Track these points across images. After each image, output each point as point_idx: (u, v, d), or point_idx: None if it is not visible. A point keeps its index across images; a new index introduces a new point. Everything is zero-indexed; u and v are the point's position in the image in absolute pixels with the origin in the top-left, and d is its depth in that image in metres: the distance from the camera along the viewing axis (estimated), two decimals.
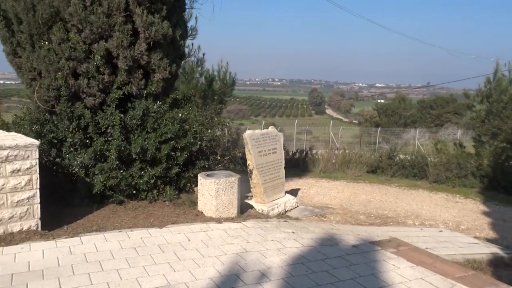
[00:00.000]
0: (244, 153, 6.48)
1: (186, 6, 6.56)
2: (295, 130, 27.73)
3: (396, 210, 7.67)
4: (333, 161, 11.90)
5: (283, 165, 6.89)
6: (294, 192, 8.20)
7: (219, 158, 6.51)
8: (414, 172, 11.01)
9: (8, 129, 5.93)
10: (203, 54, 12.36)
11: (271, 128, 6.99)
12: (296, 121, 30.82)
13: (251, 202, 6.30)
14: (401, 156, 12.22)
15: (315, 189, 9.17)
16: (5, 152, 4.22)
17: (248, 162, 6.19)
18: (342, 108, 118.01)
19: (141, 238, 4.50)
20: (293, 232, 4.98)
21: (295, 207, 6.87)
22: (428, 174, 10.60)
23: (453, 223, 7.02)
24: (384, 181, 10.56)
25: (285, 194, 6.91)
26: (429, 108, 49.19)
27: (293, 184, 9.28)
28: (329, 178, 10.49)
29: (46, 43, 5.32)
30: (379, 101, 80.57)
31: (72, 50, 5.32)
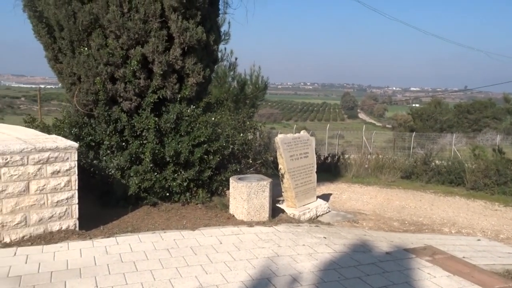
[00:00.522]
0: (275, 157, 6.49)
1: (220, 12, 6.64)
2: (327, 135, 27.51)
3: (431, 217, 7.47)
4: (366, 166, 11.72)
5: (315, 170, 6.84)
6: (325, 197, 8.12)
7: (251, 161, 6.54)
8: (451, 178, 10.68)
9: (48, 131, 6.16)
10: (236, 59, 12.49)
11: (303, 132, 6.96)
12: (328, 125, 30.57)
13: (282, 206, 6.28)
14: (436, 161, 11.89)
15: (347, 194, 9.05)
16: (46, 154, 4.39)
17: (280, 166, 6.19)
18: (375, 113, 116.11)
19: (174, 240, 4.58)
20: (325, 238, 4.94)
21: (327, 212, 6.80)
22: (466, 181, 10.26)
23: (492, 232, 6.77)
24: (419, 187, 10.30)
25: (316, 198, 6.86)
26: (466, 113, 47.69)
27: (325, 188, 9.19)
28: (362, 183, 10.33)
29: (86, 49, 5.52)
30: (413, 105, 78.83)
31: (110, 55, 5.49)
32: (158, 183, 5.67)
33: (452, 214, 7.79)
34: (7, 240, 4.24)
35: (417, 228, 6.69)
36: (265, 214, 5.49)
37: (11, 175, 4.21)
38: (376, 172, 11.35)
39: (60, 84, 6.30)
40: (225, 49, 12.16)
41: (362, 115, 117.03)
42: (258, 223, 5.30)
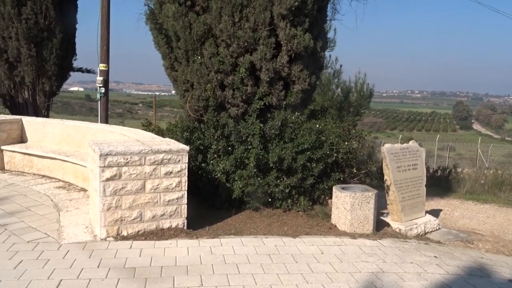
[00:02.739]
0: (380, 168, 6.19)
1: (327, 18, 6.57)
2: (437, 146, 25.71)
3: None
4: (482, 181, 10.65)
5: (424, 183, 6.39)
6: (435, 213, 7.54)
7: (355, 171, 6.33)
8: None
9: (163, 135, 6.60)
10: (340, 66, 12.26)
11: (411, 143, 6.56)
12: (438, 136, 28.57)
13: (387, 219, 5.97)
14: None
15: (460, 211, 8.31)
16: (160, 156, 4.70)
17: (385, 177, 5.89)
18: (492, 124, 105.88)
19: (275, 245, 4.59)
20: (436, 257, 4.57)
21: (437, 229, 6.30)
22: None
23: None
24: None
25: (425, 214, 6.40)
26: None
27: (434, 204, 8.54)
28: (477, 201, 9.41)
29: (199, 57, 5.83)
30: None
31: (221, 63, 5.73)
32: (261, 188, 5.74)
33: None
34: (124, 233, 4.62)
35: None
36: (369, 227, 5.26)
37: (130, 174, 4.58)
38: (494, 189, 10.26)
39: (173, 92, 6.73)
40: (329, 56, 12.02)
41: (477, 126, 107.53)
42: (361, 236, 5.09)
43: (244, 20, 5.57)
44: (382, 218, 5.98)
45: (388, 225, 5.78)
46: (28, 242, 4.34)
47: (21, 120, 7.95)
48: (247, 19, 5.57)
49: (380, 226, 5.60)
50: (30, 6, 9.56)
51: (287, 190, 5.79)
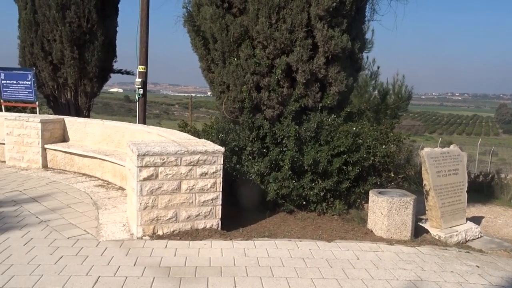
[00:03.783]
0: (418, 172, 6.01)
1: (366, 19, 6.44)
2: (478, 150, 24.75)
3: None
4: None
5: (465, 189, 6.15)
6: (476, 220, 7.25)
7: (392, 175, 6.17)
8: None
9: (198, 136, 6.67)
10: (378, 67, 12.01)
11: (453, 147, 6.33)
12: (480, 140, 27.50)
13: (425, 226, 5.78)
14: None
15: (503, 219, 7.94)
16: (196, 157, 4.74)
17: (424, 182, 5.70)
18: None
19: (310, 249, 4.53)
20: (478, 266, 4.37)
21: (478, 237, 6.05)
22: None
23: None
24: None
25: (466, 221, 6.15)
26: None
27: (475, 211, 8.21)
28: None
29: (235, 59, 5.85)
30: None
31: (257, 65, 5.72)
32: (295, 191, 5.70)
33: None
34: (160, 232, 4.68)
35: None
36: (406, 233, 5.11)
37: (167, 174, 4.64)
38: None
39: (209, 93, 6.79)
40: (367, 57, 11.82)
41: None
42: (399, 242, 4.95)
43: (281, 22, 5.54)
44: (420, 224, 5.80)
45: (427, 231, 5.59)
46: (68, 238, 4.47)
47: (63, 120, 8.24)
48: (284, 20, 5.54)
49: (418, 233, 5.43)
50: (74, 10, 9.90)
51: (322, 193, 5.72)
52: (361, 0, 5.86)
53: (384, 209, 5.07)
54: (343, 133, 5.79)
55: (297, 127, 5.81)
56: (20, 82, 9.48)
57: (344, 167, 5.74)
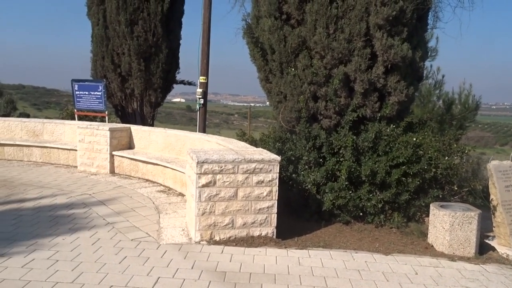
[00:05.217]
0: (485, 186, 5.70)
1: (428, 27, 6.26)
2: None
3: None
4: None
5: None
6: None
7: (455, 188, 5.90)
8: None
9: (256, 145, 6.79)
10: (443, 76, 11.54)
11: None
12: None
13: (492, 243, 5.45)
14: None
15: None
16: (253, 165, 4.84)
17: (492, 196, 5.40)
18: None
19: (365, 261, 4.45)
20: None
21: None
22: None
23: None
24: None
25: None
26: None
27: None
28: None
29: (293, 69, 5.92)
30: None
31: (314, 75, 5.75)
32: (352, 201, 5.62)
33: None
34: (216, 238, 4.81)
35: None
36: (470, 249, 4.86)
37: (224, 181, 4.77)
38: None
39: (267, 103, 6.90)
40: (430, 66, 11.38)
41: None
42: (461, 258, 4.72)
43: (339, 32, 5.54)
44: (487, 241, 5.48)
45: (493, 249, 5.28)
46: (131, 240, 4.72)
47: (129, 128, 8.72)
48: (342, 30, 5.53)
49: (483, 250, 5.14)
50: (141, 25, 10.49)
51: (379, 205, 5.59)
52: (423, 8, 5.71)
53: (446, 223, 4.87)
54: (402, 144, 5.64)
55: (354, 137, 5.74)
56: (92, 93, 10.17)
57: (404, 178, 5.57)
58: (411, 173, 5.56)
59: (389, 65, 5.59)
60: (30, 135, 9.63)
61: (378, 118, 5.89)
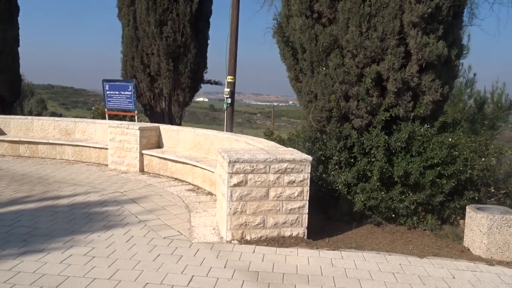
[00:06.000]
0: None
1: (463, 24, 6.10)
2: None
3: None
4: None
5: None
6: None
7: (492, 190, 5.73)
8: None
9: (284, 144, 6.76)
10: (474, 74, 11.25)
11: None
12: None
13: None
14: None
15: None
16: (284, 165, 4.81)
17: None
18: None
19: (400, 264, 4.37)
20: None
21: None
22: None
23: None
24: None
25: None
26: None
27: None
28: None
29: (324, 68, 5.86)
30: None
31: (346, 74, 5.68)
32: (384, 202, 5.53)
33: None
34: (248, 238, 4.81)
35: None
36: (509, 254, 4.70)
37: (255, 181, 4.76)
38: None
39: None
40: (462, 64, 11.10)
41: None
42: (500, 263, 4.57)
43: (372, 30, 5.45)
44: None
45: None
46: (164, 238, 4.77)
47: (158, 127, 8.82)
48: (375, 28, 5.44)
49: None
50: (170, 26, 10.61)
51: (412, 207, 5.48)
52: (459, 5, 5.57)
53: (484, 226, 4.73)
54: (437, 144, 5.51)
55: (386, 137, 5.65)
56: (122, 92, 10.34)
57: (438, 180, 5.45)
58: (446, 174, 5.43)
59: (424, 64, 5.47)
60: (63, 134, 9.86)
61: (411, 117, 5.77)
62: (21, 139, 9.58)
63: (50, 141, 9.44)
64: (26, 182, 7.13)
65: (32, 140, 9.54)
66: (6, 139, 9.64)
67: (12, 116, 10.37)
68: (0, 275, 3.67)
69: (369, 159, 5.74)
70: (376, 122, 5.77)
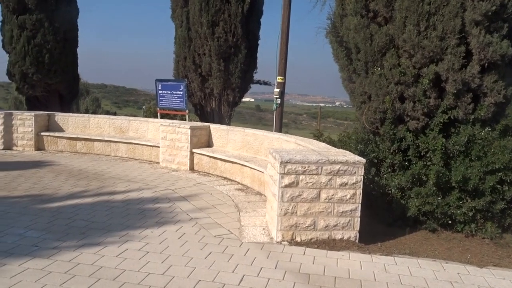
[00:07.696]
0: None
1: None
2: None
3: None
4: None
5: None
6: None
7: None
8: None
9: (334, 146, 6.66)
10: None
11: None
12: None
13: None
14: None
15: None
16: (337, 167, 4.73)
17: None
18: None
19: (458, 273, 4.18)
20: None
21: None
22: None
23: None
24: None
25: None
26: None
27: None
28: None
29: (379, 69, 5.72)
30: None
31: (402, 74, 5.51)
32: (440, 208, 5.31)
33: None
34: (298, 239, 4.78)
35: None
36: None
37: (307, 182, 4.72)
38: None
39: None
40: None
41: None
42: None
43: (431, 29, 5.25)
44: None
45: None
46: (214, 236, 4.83)
47: (209, 127, 8.96)
48: (434, 27, 5.24)
49: None
50: (222, 26, 10.75)
51: (470, 214, 5.24)
52: None
53: None
54: (499, 149, 5.23)
55: (444, 140, 5.43)
56: (174, 92, 10.59)
57: (499, 186, 5.17)
58: (509, 181, 5.14)
59: (486, 64, 5.20)
60: (117, 131, 10.25)
61: (471, 120, 5.51)
62: (79, 136, 10.06)
63: (106, 138, 9.84)
64: (83, 178, 7.47)
65: (89, 137, 9.98)
66: (64, 135, 10.15)
67: (71, 114, 10.92)
68: (61, 266, 3.86)
69: (425, 163, 5.54)
70: (433, 124, 5.56)
